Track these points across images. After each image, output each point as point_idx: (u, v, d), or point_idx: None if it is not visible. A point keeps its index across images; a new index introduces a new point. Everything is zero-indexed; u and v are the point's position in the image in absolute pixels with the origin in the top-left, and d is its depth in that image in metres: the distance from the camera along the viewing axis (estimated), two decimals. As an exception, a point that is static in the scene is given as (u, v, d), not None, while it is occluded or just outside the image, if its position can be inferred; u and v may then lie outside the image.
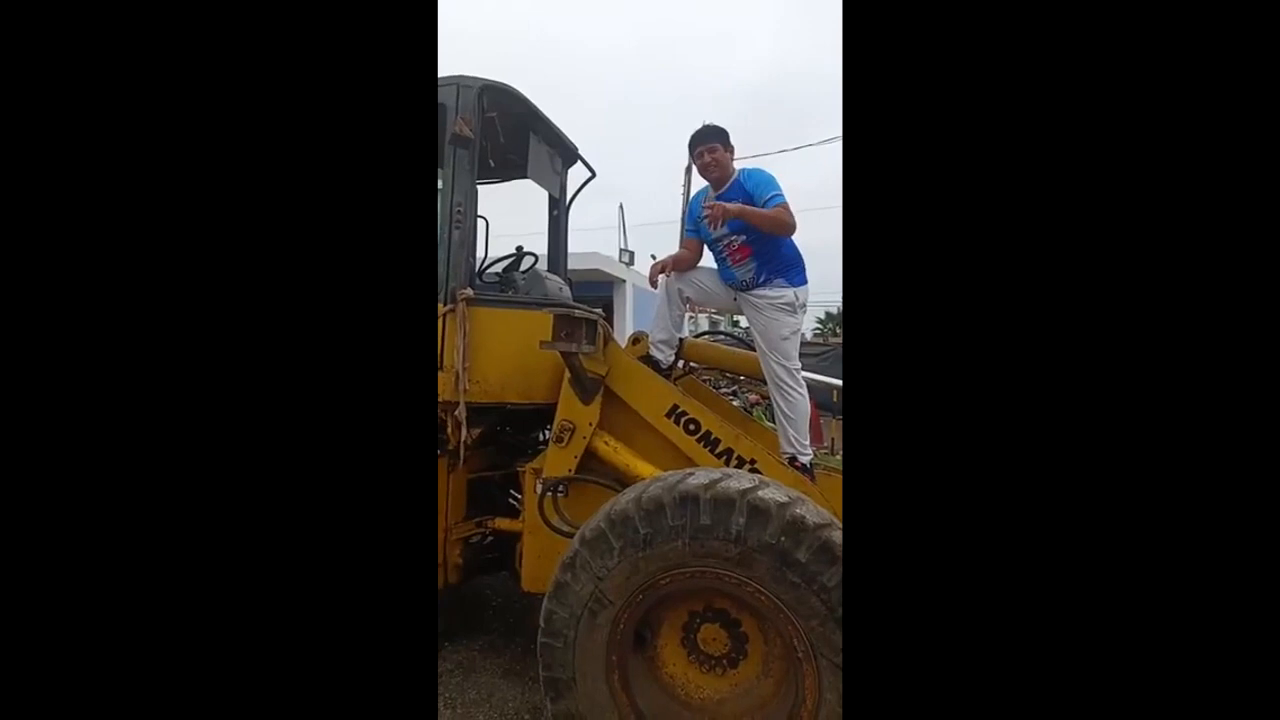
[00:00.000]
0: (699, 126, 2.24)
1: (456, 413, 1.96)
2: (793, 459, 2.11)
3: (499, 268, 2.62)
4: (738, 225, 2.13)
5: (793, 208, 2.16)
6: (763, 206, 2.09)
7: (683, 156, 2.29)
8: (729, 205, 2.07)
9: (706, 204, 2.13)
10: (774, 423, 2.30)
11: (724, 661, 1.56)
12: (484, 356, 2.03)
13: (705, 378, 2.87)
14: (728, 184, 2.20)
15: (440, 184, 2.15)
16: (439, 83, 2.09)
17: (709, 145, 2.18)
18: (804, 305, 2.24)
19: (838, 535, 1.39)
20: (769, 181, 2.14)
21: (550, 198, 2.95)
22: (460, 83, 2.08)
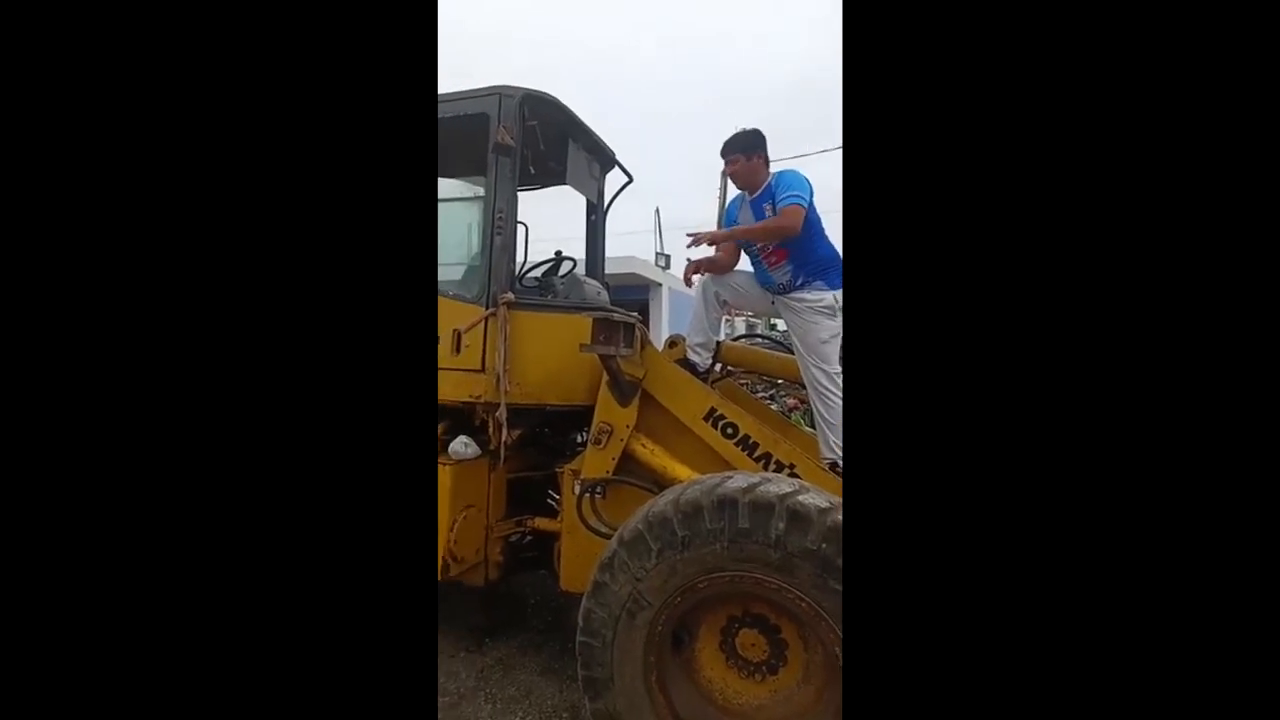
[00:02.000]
0: (732, 133, 2.24)
1: (498, 414, 2.01)
2: (834, 464, 2.08)
3: (539, 272, 2.68)
4: None
5: (827, 208, 2.14)
6: (777, 206, 2.10)
7: (718, 157, 2.30)
8: (705, 233, 2.21)
9: (698, 233, 2.25)
10: (813, 427, 2.27)
11: (763, 668, 1.54)
12: (524, 359, 2.08)
13: (743, 381, 2.86)
14: (760, 189, 2.20)
15: (483, 191, 2.21)
16: (481, 93, 2.16)
17: (731, 157, 2.22)
18: (843, 308, 2.21)
19: (881, 542, 1.36)
20: (790, 183, 2.13)
21: (588, 203, 2.99)
22: (502, 92, 2.13)
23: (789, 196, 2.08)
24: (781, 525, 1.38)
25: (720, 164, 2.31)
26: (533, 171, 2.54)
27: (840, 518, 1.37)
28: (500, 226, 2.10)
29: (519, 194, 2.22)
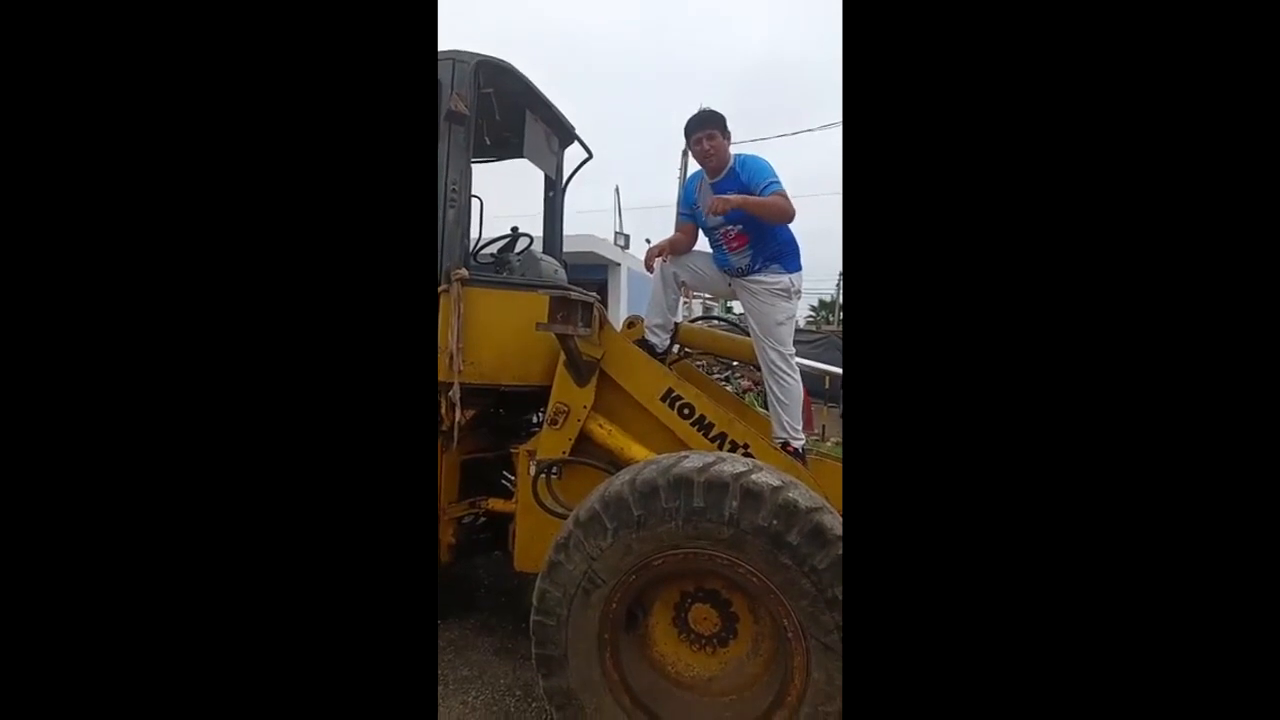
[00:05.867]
0: (696, 111, 2.21)
1: (451, 393, 1.96)
2: (785, 444, 2.13)
3: (494, 248, 2.60)
4: (735, 215, 2.11)
5: (790, 191, 2.15)
6: (759, 194, 2.07)
7: (679, 139, 2.27)
8: (730, 198, 2.04)
9: (711, 199, 2.09)
10: (767, 408, 2.31)
11: (714, 641, 1.59)
12: (479, 337, 2.02)
13: (699, 363, 2.88)
14: (724, 171, 2.17)
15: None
16: (433, 57, 2.05)
17: (706, 132, 2.13)
18: (799, 291, 2.24)
19: (829, 519, 1.41)
20: (765, 169, 2.12)
21: (546, 178, 2.91)
22: (456, 58, 2.04)
23: (771, 184, 2.07)
24: (735, 503, 1.41)
25: (680, 145, 2.28)
26: (488, 143, 2.45)
27: (792, 495, 1.41)
28: (453, 199, 2.02)
29: (473, 166, 2.13)
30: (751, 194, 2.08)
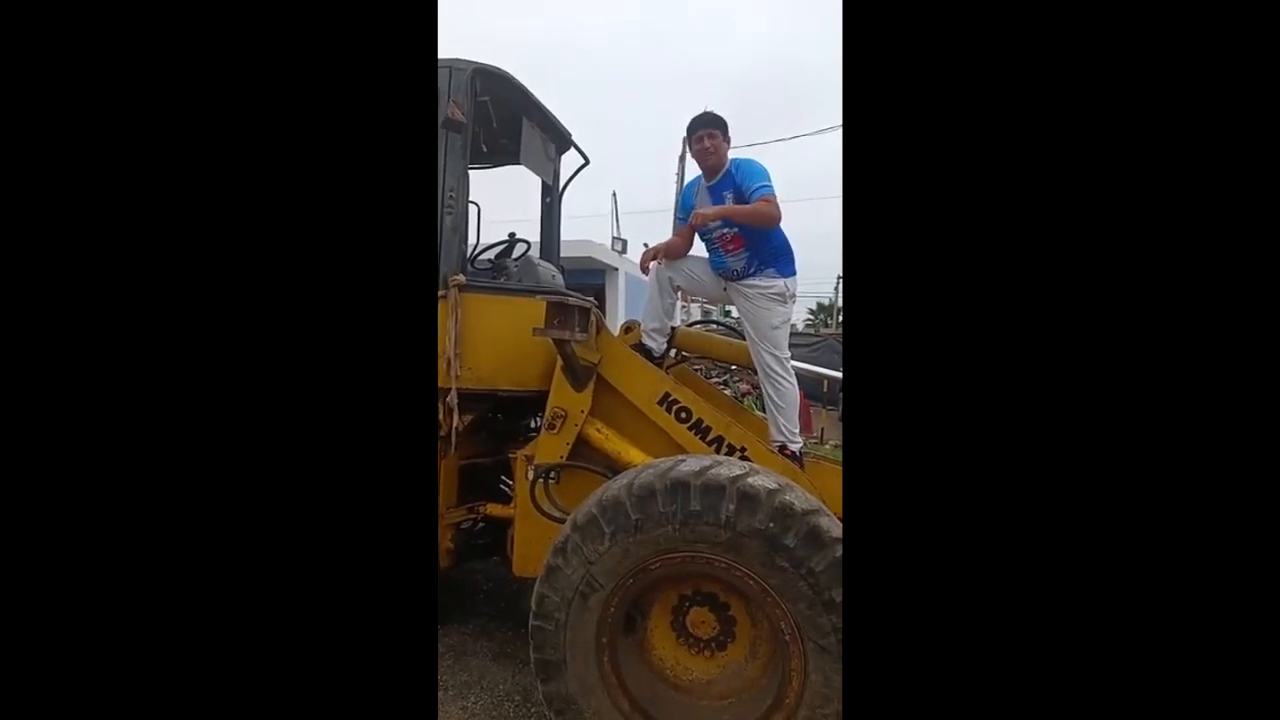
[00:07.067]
0: (701, 111, 2.23)
1: (448, 399, 1.97)
2: (782, 447, 2.14)
3: (491, 254, 2.61)
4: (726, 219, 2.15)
5: (784, 198, 2.17)
6: (748, 197, 2.10)
7: (677, 144, 2.29)
8: (707, 210, 2.12)
9: (694, 212, 2.17)
10: (764, 412, 2.32)
11: (712, 644, 1.59)
12: (476, 343, 2.03)
13: (697, 366, 2.89)
14: (720, 174, 2.20)
15: (432, 169, 2.12)
16: (430, 65, 2.06)
17: (709, 130, 2.17)
18: (794, 295, 2.25)
19: (825, 521, 1.41)
20: (758, 173, 2.14)
21: (543, 184, 2.93)
22: (453, 65, 2.05)
23: (761, 188, 2.10)
24: (732, 506, 1.41)
25: (678, 149, 2.29)
26: (485, 149, 2.46)
27: (788, 498, 1.42)
28: (450, 206, 2.04)
29: (470, 172, 2.15)
30: (743, 196, 2.11)
